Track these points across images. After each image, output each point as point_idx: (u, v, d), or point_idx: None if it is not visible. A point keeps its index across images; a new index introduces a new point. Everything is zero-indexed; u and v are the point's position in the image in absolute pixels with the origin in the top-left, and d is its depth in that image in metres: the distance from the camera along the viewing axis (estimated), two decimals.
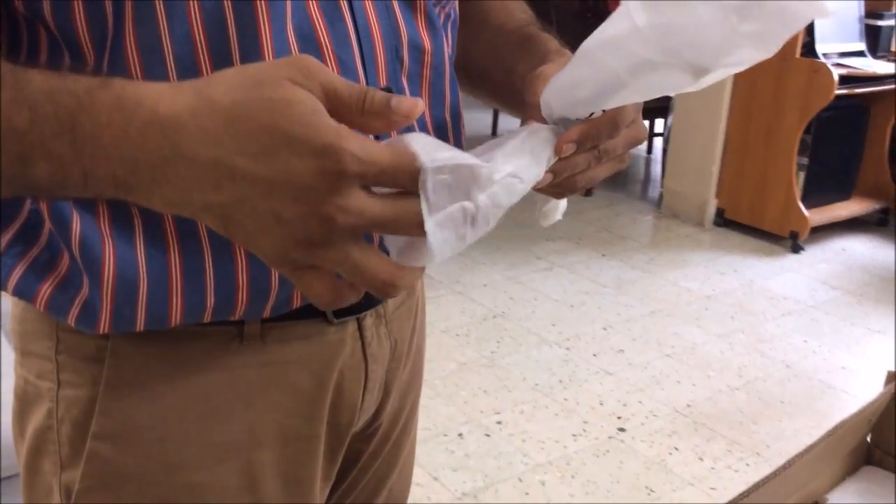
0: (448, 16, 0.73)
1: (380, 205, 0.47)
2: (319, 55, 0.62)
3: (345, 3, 0.63)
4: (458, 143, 0.75)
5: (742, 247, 3.84)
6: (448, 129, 0.73)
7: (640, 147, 5.26)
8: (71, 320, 0.63)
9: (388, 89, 0.65)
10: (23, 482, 0.72)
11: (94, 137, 0.47)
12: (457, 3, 0.76)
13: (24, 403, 0.71)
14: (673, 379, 2.70)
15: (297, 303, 0.67)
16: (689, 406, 2.55)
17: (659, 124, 4.93)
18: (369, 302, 0.71)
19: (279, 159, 0.45)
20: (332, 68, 0.62)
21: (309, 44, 0.61)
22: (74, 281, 0.62)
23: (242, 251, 0.63)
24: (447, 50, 0.72)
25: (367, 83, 0.64)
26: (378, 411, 0.80)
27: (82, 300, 0.62)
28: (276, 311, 0.66)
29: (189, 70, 0.57)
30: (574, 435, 2.37)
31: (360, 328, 0.74)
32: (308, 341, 0.71)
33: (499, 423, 2.41)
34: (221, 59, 0.58)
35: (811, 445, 1.16)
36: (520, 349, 2.84)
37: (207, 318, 0.64)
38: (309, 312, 0.69)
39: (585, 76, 0.57)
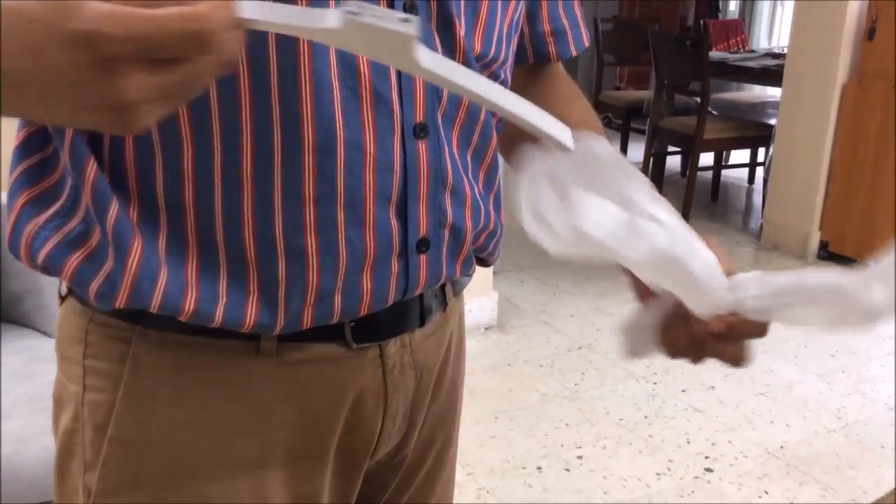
0: (495, 76, 0.74)
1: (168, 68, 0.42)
2: (356, 83, 0.63)
3: None
4: (478, 189, 0.75)
5: None
6: (468, 169, 0.74)
7: (741, 177, 5.13)
8: (92, 292, 0.64)
9: (423, 126, 0.67)
10: (54, 482, 0.74)
11: None
12: (508, 69, 0.76)
13: (57, 405, 0.73)
14: (766, 419, 2.58)
15: (307, 322, 0.67)
16: (782, 448, 2.43)
17: (761, 153, 4.78)
18: (393, 328, 0.72)
19: (46, 57, 0.41)
20: (367, 97, 0.63)
21: (348, 70, 0.62)
22: (102, 254, 0.63)
23: (255, 263, 0.64)
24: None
25: (403, 117, 0.65)
26: (404, 441, 0.79)
27: (106, 273, 0.63)
28: (288, 328, 0.66)
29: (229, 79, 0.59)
30: (658, 474, 2.29)
31: (382, 355, 0.73)
32: (325, 363, 0.70)
33: (580, 457, 2.35)
34: (260, 81, 0.59)
35: None
36: (605, 382, 2.78)
37: (218, 320, 0.65)
38: (327, 335, 0.69)
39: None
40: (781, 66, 4.07)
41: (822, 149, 3.78)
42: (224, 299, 0.64)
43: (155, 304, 0.64)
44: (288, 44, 0.59)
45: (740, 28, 6.44)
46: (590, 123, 0.83)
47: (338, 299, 0.67)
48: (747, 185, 5.13)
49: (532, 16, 0.83)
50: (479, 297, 3.07)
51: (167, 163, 0.63)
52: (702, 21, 6.45)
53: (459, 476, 2.23)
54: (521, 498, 2.17)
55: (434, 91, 0.67)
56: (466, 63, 0.69)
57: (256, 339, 0.68)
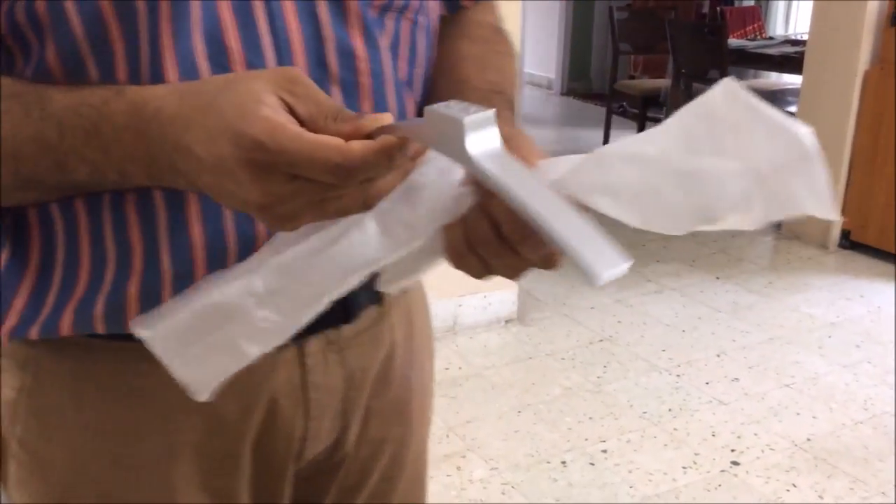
0: (414, 22, 0.70)
1: (301, 187, 0.49)
2: (227, 60, 0.59)
3: (261, 4, 0.60)
4: None
5: (870, 271, 3.62)
6: None
7: None
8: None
9: None
10: None
11: (117, 140, 0.53)
12: (429, 12, 0.71)
13: None
14: (792, 411, 2.55)
15: None
16: (808, 440, 2.40)
17: None
18: (311, 326, 0.65)
19: (216, 145, 0.49)
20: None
21: (217, 48, 0.59)
22: None
23: (140, 261, 0.63)
24: (387, 57, 0.67)
25: None
26: (339, 442, 0.77)
27: (16, 313, 0.64)
28: None
29: (105, 65, 0.58)
30: (684, 467, 2.27)
31: (303, 354, 0.71)
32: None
33: (604, 451, 2.33)
34: (134, 61, 0.57)
35: None
36: (628, 375, 2.75)
37: (100, 326, 0.64)
38: None
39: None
40: (801, 53, 4.03)
41: (844, 136, 3.73)
42: (101, 307, 0.63)
43: (35, 331, 0.64)
44: (150, 25, 0.57)
45: (757, 15, 6.37)
46: (504, 87, 0.74)
47: None
48: None
49: None
50: (500, 289, 3.05)
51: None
52: (718, 8, 6.39)
53: (483, 472, 2.22)
54: (547, 493, 2.16)
55: (319, 62, 0.63)
56: (353, 19, 0.64)
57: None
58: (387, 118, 0.50)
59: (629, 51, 5.70)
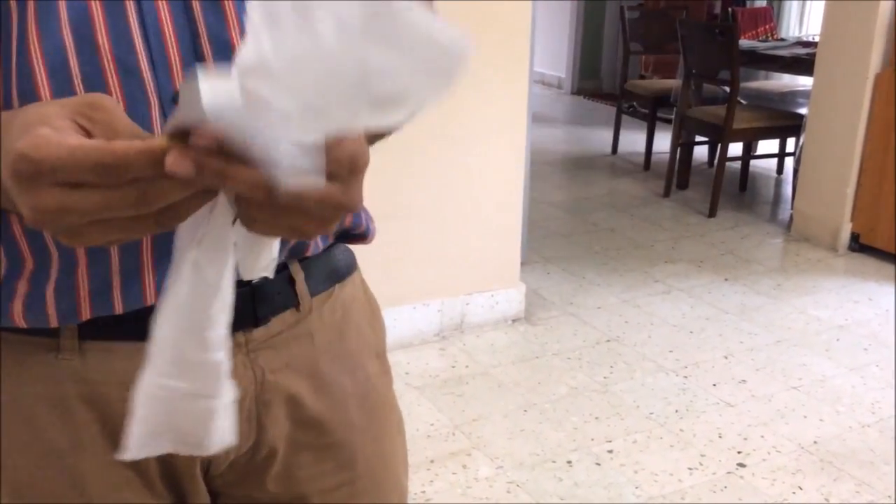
0: None
1: (77, 196, 0.47)
2: (97, 57, 0.59)
3: (131, 2, 0.60)
4: None
5: (878, 273, 3.61)
6: None
7: (769, 167, 5.08)
8: None
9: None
10: None
11: None
12: None
13: None
14: (799, 413, 2.55)
15: (85, 315, 0.66)
16: (815, 443, 2.39)
17: (790, 143, 4.72)
18: None
19: (2, 165, 0.49)
20: (111, 71, 0.60)
21: (86, 44, 0.58)
22: None
23: (30, 260, 0.64)
24: None
25: (159, 85, 0.61)
26: (258, 444, 0.76)
27: None
28: (63, 321, 0.66)
29: None
30: (690, 468, 2.27)
31: None
32: (130, 362, 0.64)
33: (610, 452, 2.33)
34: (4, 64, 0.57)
35: None
36: (634, 376, 2.75)
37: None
38: (136, 332, 0.65)
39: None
40: (812, 55, 4.01)
41: (854, 139, 3.72)
42: None
43: None
44: (17, 19, 0.57)
45: (769, 16, 6.35)
46: None
47: (116, 293, 0.65)
48: (776, 175, 5.06)
49: None
50: (506, 288, 3.05)
51: None
52: (730, 9, 6.36)
53: (489, 470, 2.22)
54: (552, 492, 2.16)
55: (192, 51, 0.62)
56: (229, 11, 0.63)
57: (56, 336, 0.67)
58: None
59: (640, 50, 5.69)
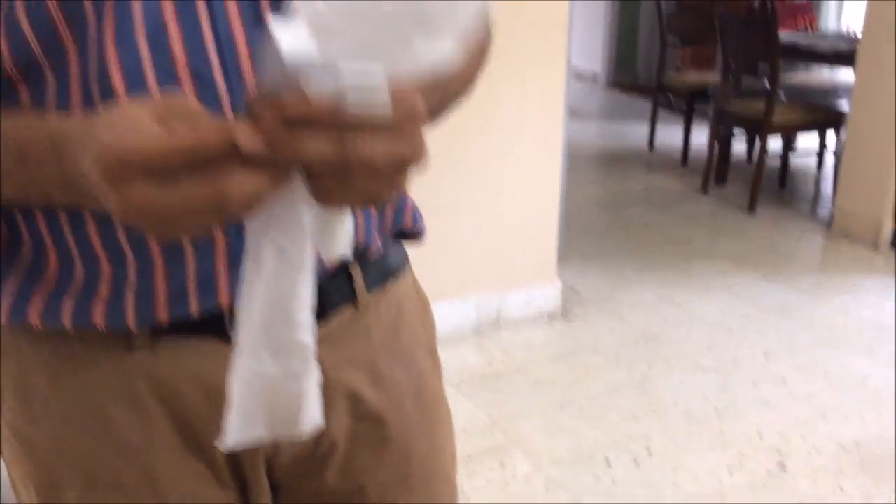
0: None
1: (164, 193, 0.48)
2: (172, 65, 0.60)
3: (204, 9, 0.60)
4: None
5: None
6: None
7: (809, 163, 5.01)
8: None
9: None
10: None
11: (39, 166, 0.57)
12: None
13: None
14: (840, 413, 2.52)
15: (163, 317, 0.67)
16: (856, 443, 2.36)
17: (830, 137, 4.65)
18: None
19: (86, 160, 0.51)
20: (187, 80, 0.61)
21: (161, 53, 0.59)
22: None
23: (107, 265, 0.65)
24: None
25: (231, 92, 0.62)
26: (320, 437, 0.76)
27: None
28: (142, 323, 0.67)
29: (60, 68, 0.60)
30: (729, 468, 2.25)
31: None
32: (202, 359, 0.69)
33: (648, 450, 2.32)
34: (63, 71, 0.60)
35: None
36: (672, 373, 2.73)
37: (66, 320, 0.67)
38: (207, 329, 0.68)
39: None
40: (854, 50, 3.95)
41: (894, 134, 3.66)
42: (71, 303, 0.66)
43: (4, 317, 0.68)
44: (99, 29, 0.59)
45: (808, 9, 6.25)
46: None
47: (192, 296, 0.66)
48: (816, 171, 5.00)
49: None
50: (543, 284, 3.04)
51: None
52: (768, 2, 6.28)
53: (526, 467, 2.22)
54: (590, 490, 2.15)
55: None
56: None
57: (130, 336, 0.68)
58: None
59: (677, 44, 5.64)
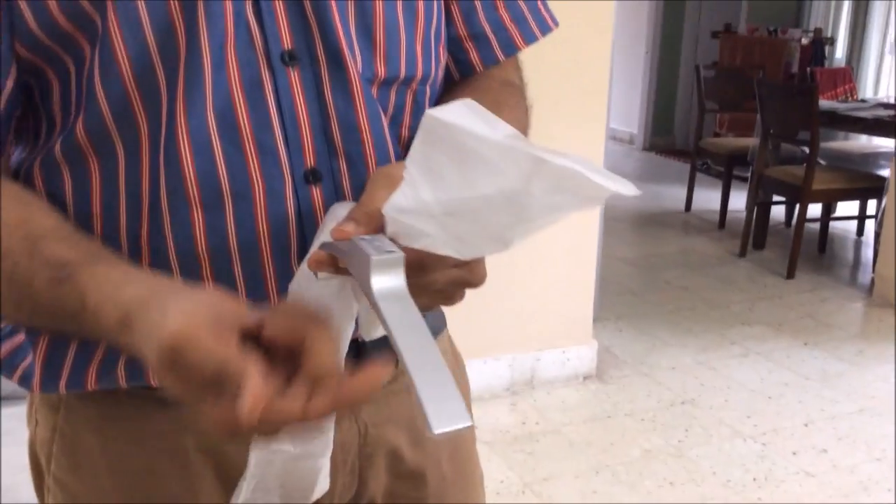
0: (417, 91, 0.73)
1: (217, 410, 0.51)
2: (238, 138, 0.63)
3: (269, 84, 0.64)
4: None
5: None
6: None
7: (849, 229, 4.95)
8: (14, 380, 0.71)
9: (315, 171, 0.66)
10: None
11: (93, 328, 0.58)
12: (431, 85, 0.74)
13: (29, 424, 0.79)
14: (883, 487, 2.44)
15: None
16: None
17: (871, 205, 4.61)
18: None
19: (164, 376, 0.53)
20: (252, 151, 0.64)
21: (228, 127, 0.63)
22: (22, 351, 0.70)
23: None
24: (389, 127, 0.70)
25: (292, 165, 0.65)
26: (358, 495, 0.78)
27: (24, 366, 0.70)
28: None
29: (129, 145, 0.63)
30: None
31: None
32: None
33: None
34: (154, 139, 0.62)
35: None
36: (710, 440, 2.68)
37: (122, 382, 0.68)
38: None
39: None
40: (894, 117, 3.93)
41: None
42: (123, 364, 0.68)
43: (62, 386, 0.69)
44: (166, 105, 0.62)
45: (848, 76, 6.26)
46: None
47: None
48: (856, 237, 4.94)
49: (450, 19, 0.77)
50: (578, 345, 3.02)
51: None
52: (808, 69, 6.29)
53: None
54: None
55: (325, 137, 0.67)
56: (357, 95, 0.67)
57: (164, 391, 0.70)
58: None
59: (715, 108, 5.66)
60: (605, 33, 2.80)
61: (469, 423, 0.48)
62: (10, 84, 0.62)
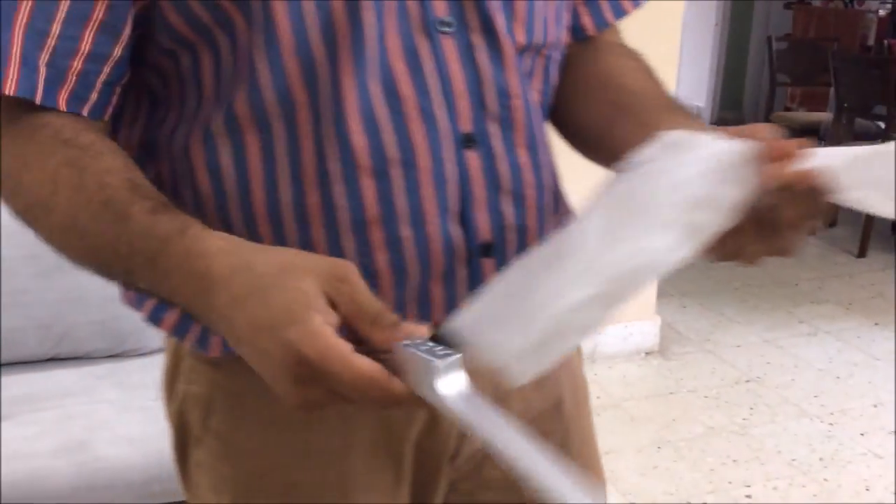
0: (547, 57, 0.76)
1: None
2: (401, 106, 0.66)
3: (427, 52, 0.67)
4: (541, 184, 0.75)
5: None
6: (542, 169, 0.75)
7: None
8: (188, 344, 0.74)
9: (470, 136, 0.69)
10: (176, 467, 0.83)
11: (167, 275, 0.60)
12: (559, 51, 0.78)
13: (167, 395, 0.82)
14: None
15: None
16: None
17: None
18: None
19: (264, 338, 0.55)
20: (415, 118, 0.67)
21: (392, 96, 0.66)
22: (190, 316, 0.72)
23: None
24: (537, 92, 0.75)
25: (451, 130, 0.68)
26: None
27: (196, 332, 0.73)
28: None
29: (290, 121, 0.65)
30: None
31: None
32: None
33: (748, 497, 2.24)
34: (315, 112, 0.65)
35: None
36: (776, 419, 2.64)
37: None
38: None
39: None
40: None
41: None
42: None
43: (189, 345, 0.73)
44: (333, 78, 0.64)
45: None
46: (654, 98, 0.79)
47: (412, 310, 0.70)
48: None
49: None
50: (641, 320, 2.99)
51: (243, 205, 0.68)
52: (885, 41, 6.08)
53: None
54: None
55: (479, 102, 0.69)
56: (508, 60, 0.70)
57: None
58: (420, 331, 0.56)
59: (787, 82, 5.51)
60: (676, 5, 2.75)
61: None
62: (118, 51, 0.65)
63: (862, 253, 4.06)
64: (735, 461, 2.40)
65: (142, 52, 0.68)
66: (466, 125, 0.69)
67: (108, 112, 0.67)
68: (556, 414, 0.85)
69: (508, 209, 0.72)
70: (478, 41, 0.69)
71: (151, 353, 1.84)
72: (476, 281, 0.71)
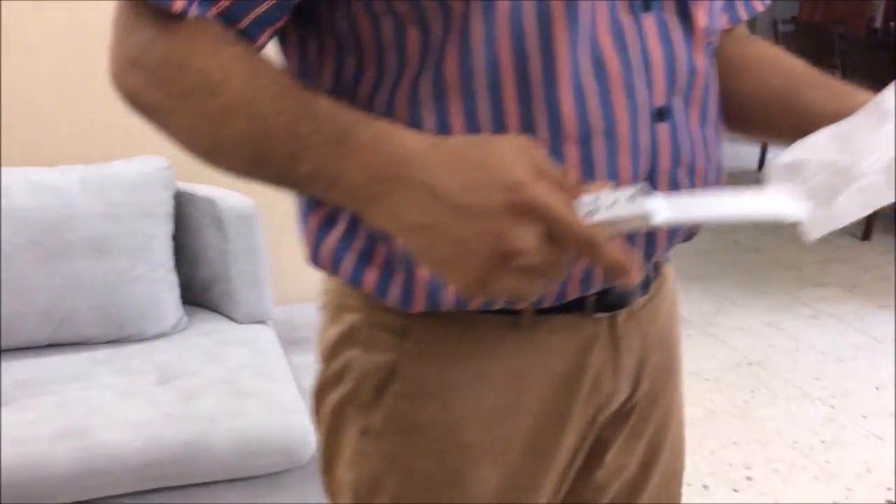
0: (712, 44, 0.81)
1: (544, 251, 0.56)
2: (608, 80, 0.70)
3: (632, 29, 0.71)
4: (710, 157, 0.79)
5: None
6: (710, 144, 0.79)
7: None
8: (392, 301, 0.76)
9: (663, 109, 0.73)
10: (321, 466, 0.87)
11: (354, 151, 0.60)
12: (714, 40, 0.81)
13: (320, 395, 0.84)
14: None
15: (573, 294, 0.76)
16: None
17: None
18: (622, 301, 0.81)
19: (479, 191, 0.55)
20: (620, 91, 0.70)
21: (601, 69, 0.69)
22: (391, 267, 0.74)
23: None
24: (713, 72, 0.80)
25: (649, 103, 0.72)
26: (630, 396, 0.87)
27: (400, 284, 0.75)
28: (558, 300, 0.76)
29: (496, 89, 0.68)
30: (835, 502, 2.16)
31: (615, 325, 0.82)
32: (569, 332, 0.79)
33: (749, 479, 2.25)
34: (524, 81, 0.68)
35: None
36: (777, 402, 2.64)
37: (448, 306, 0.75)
38: (572, 307, 0.78)
39: None
40: None
41: None
42: None
43: (448, 303, 0.74)
44: (546, 46, 0.67)
45: None
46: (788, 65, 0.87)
47: (597, 273, 0.75)
48: None
49: None
50: None
51: None
52: (892, 23, 6.04)
53: None
54: None
55: (671, 79, 0.73)
56: (697, 40, 0.75)
57: (518, 315, 0.77)
58: (603, 187, 0.59)
59: None
60: None
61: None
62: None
63: (866, 236, 4.04)
64: (736, 443, 2.41)
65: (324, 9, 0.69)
66: (660, 99, 0.73)
67: (258, 40, 0.67)
68: (676, 346, 0.93)
69: (684, 181, 0.76)
70: (672, 21, 0.73)
71: (151, 338, 1.86)
72: (651, 250, 0.77)
